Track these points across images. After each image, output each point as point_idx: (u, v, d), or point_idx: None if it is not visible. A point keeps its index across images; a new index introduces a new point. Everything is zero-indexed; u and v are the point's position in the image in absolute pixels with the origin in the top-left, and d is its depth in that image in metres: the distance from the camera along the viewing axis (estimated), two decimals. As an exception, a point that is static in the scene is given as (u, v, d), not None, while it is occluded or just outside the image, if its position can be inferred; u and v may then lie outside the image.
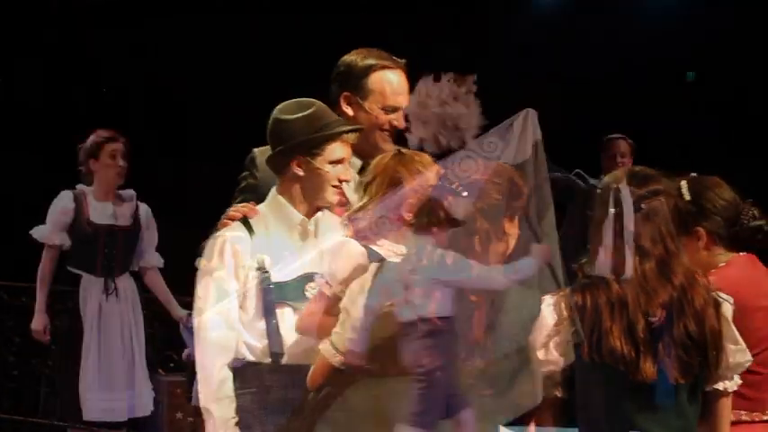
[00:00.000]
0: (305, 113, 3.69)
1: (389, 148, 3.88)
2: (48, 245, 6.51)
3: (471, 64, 3.48)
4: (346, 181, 3.73)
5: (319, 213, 3.76)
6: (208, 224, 3.86)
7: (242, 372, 3.64)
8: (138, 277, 6.73)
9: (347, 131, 3.73)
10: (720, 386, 3.34)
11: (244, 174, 4.00)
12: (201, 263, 3.72)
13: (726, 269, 3.72)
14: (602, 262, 3.22)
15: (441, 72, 3.14)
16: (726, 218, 3.75)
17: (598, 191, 3.37)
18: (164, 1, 9.67)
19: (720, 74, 9.46)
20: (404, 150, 3.42)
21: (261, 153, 3.89)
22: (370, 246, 3.30)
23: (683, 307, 3.22)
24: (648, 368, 3.17)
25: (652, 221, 3.26)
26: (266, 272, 3.63)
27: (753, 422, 3.67)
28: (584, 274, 3.26)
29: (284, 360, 3.61)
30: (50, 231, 6.50)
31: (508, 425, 3.24)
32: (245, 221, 3.72)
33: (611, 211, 3.24)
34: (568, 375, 3.28)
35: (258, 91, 3.87)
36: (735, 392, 3.40)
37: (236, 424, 3.61)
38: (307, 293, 3.60)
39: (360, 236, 3.31)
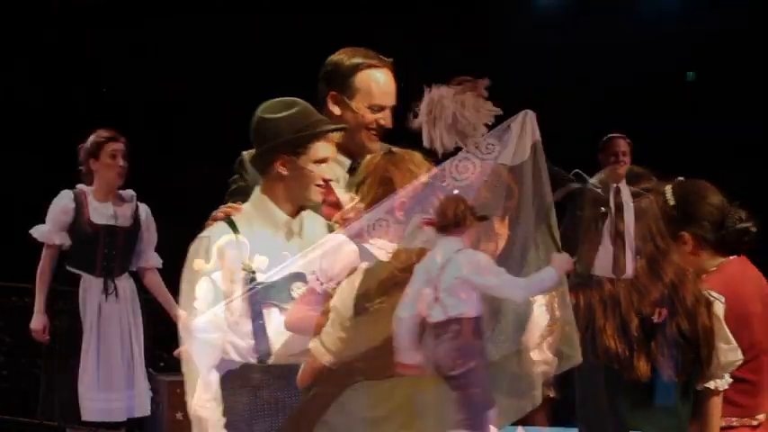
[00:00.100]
0: (289, 112, 3.69)
1: (376, 147, 3.89)
2: (47, 244, 6.50)
3: (471, 64, 3.48)
4: (330, 180, 3.73)
5: (304, 213, 3.76)
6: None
7: (229, 373, 3.63)
8: (138, 278, 6.74)
9: (332, 130, 3.73)
10: (711, 385, 3.34)
11: (234, 177, 4.00)
12: (186, 263, 3.72)
13: (716, 275, 3.70)
14: (603, 262, 3.22)
15: (451, 75, 3.15)
16: (712, 222, 3.71)
17: (587, 189, 3.36)
18: (164, 1, 9.67)
19: (720, 74, 9.46)
20: (394, 149, 3.42)
21: (250, 155, 3.89)
22: (363, 244, 3.29)
23: (674, 305, 3.22)
24: (642, 366, 3.18)
25: (642, 220, 3.26)
26: (252, 272, 3.63)
27: (743, 426, 3.66)
28: (575, 273, 3.25)
29: (271, 360, 3.60)
30: (50, 231, 6.49)
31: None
32: (230, 221, 3.72)
33: (612, 209, 3.24)
34: (562, 375, 3.28)
35: (258, 91, 3.86)
36: (726, 400, 3.40)
37: (225, 426, 3.60)
38: (293, 293, 3.59)
39: (353, 235, 3.30)
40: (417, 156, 3.34)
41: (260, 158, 3.74)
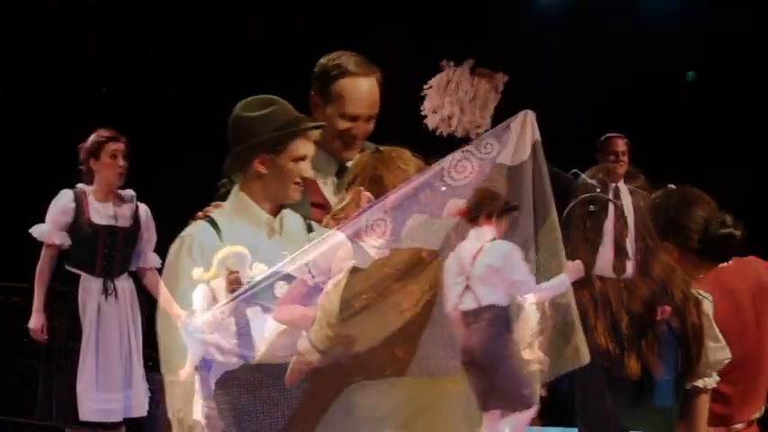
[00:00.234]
0: (267, 111, 3.69)
1: (350, 155, 3.93)
2: (47, 243, 6.51)
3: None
4: (308, 178, 3.73)
5: (284, 211, 3.77)
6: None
7: (226, 373, 3.62)
8: (137, 278, 6.73)
9: (310, 128, 3.74)
10: (700, 383, 3.36)
11: (223, 180, 4.01)
12: (168, 262, 3.71)
13: (701, 284, 3.68)
14: (604, 261, 3.22)
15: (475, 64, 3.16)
16: (696, 231, 3.69)
17: (580, 185, 3.36)
18: (164, 1, 9.67)
19: (720, 74, 9.45)
20: (382, 148, 3.43)
21: None
22: (359, 243, 3.29)
23: (664, 303, 3.23)
24: (633, 365, 3.18)
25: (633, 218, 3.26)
26: (235, 271, 3.62)
27: None
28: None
29: (255, 361, 3.59)
30: (50, 230, 6.50)
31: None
32: (211, 220, 3.72)
33: (611, 210, 3.24)
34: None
35: (258, 91, 3.86)
36: (709, 411, 3.40)
37: (222, 426, 3.58)
38: (276, 292, 3.58)
39: (350, 234, 3.29)
40: (406, 153, 3.36)
41: (239, 157, 3.73)
